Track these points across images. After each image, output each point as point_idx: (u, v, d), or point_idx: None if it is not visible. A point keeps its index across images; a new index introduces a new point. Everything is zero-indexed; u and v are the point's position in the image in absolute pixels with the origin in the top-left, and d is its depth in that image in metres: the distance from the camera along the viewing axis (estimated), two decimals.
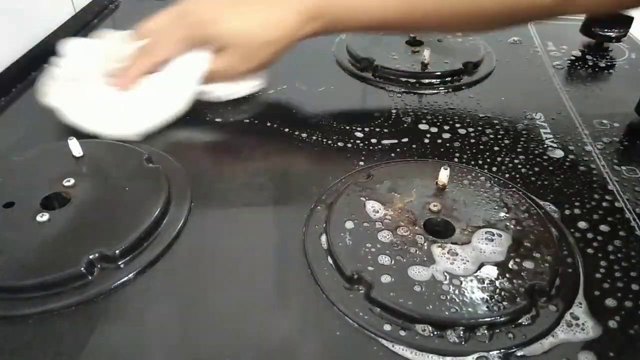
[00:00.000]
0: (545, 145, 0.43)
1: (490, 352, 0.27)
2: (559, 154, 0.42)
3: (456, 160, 0.41)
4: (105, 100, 0.42)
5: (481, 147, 0.43)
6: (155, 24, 0.43)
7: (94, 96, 0.42)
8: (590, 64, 0.57)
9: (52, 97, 0.42)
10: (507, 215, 0.34)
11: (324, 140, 0.43)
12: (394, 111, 0.48)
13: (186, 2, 0.43)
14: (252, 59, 0.43)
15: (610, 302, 0.30)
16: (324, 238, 0.33)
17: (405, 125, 0.46)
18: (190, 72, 0.42)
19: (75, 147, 0.39)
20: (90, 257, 0.31)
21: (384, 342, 0.27)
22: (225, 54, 0.42)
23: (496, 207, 0.35)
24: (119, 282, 0.30)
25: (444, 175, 0.36)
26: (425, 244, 0.32)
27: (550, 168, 0.40)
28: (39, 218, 0.33)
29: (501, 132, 0.45)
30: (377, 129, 0.45)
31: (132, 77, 0.42)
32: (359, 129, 0.45)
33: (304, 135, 0.44)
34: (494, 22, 0.45)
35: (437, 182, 0.37)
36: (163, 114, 0.43)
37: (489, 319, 0.28)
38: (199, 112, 0.46)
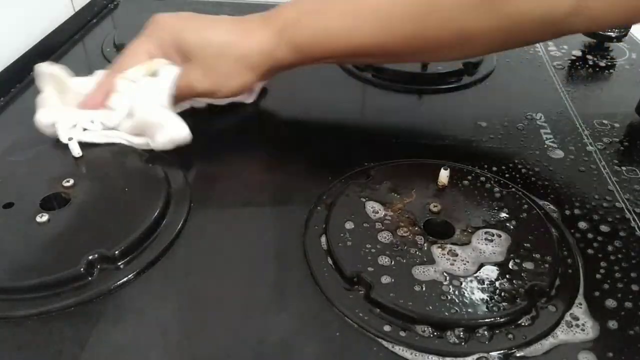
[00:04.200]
0: (546, 146, 0.43)
1: (490, 353, 0.27)
2: (559, 154, 0.42)
3: (456, 160, 0.41)
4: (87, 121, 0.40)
5: (481, 147, 0.43)
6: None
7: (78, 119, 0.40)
8: (591, 64, 0.57)
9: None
10: (507, 215, 0.34)
11: (324, 140, 0.43)
12: (394, 111, 0.48)
13: (157, 15, 0.42)
14: (215, 74, 0.40)
15: (610, 302, 0.30)
16: (324, 238, 0.33)
17: (405, 125, 0.46)
18: (159, 84, 0.40)
19: (75, 147, 0.39)
20: (90, 257, 0.30)
21: (383, 342, 0.27)
22: (189, 66, 0.40)
23: (496, 208, 0.35)
24: (118, 283, 0.30)
25: (444, 175, 0.36)
26: (425, 244, 0.32)
27: (550, 168, 0.40)
28: (38, 218, 0.33)
29: (501, 132, 0.45)
30: (377, 129, 0.45)
31: (100, 91, 0.40)
32: (359, 129, 0.45)
33: (304, 135, 0.44)
34: (490, 43, 0.39)
35: (437, 183, 0.37)
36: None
37: (489, 320, 0.28)
38: (199, 112, 0.45)
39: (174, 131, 0.39)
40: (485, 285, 0.30)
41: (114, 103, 0.40)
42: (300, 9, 0.40)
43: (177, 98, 0.41)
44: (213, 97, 0.43)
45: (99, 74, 0.43)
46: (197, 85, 0.40)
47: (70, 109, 0.41)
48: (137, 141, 0.40)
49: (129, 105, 0.40)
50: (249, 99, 0.47)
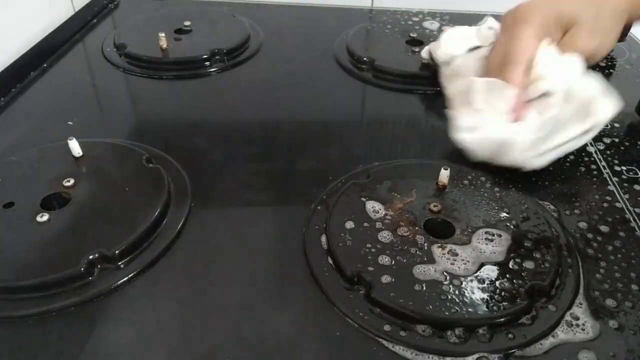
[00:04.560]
0: None
1: (491, 353, 0.27)
2: None
3: (456, 160, 0.41)
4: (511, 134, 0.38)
5: None
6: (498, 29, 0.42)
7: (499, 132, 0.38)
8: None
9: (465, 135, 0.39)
10: (507, 215, 0.34)
11: (324, 140, 0.43)
12: (393, 111, 0.48)
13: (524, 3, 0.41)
14: (598, 33, 0.41)
15: (610, 302, 0.30)
16: (324, 238, 0.33)
17: (405, 125, 0.46)
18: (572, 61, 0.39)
19: (75, 147, 0.39)
20: (90, 257, 0.31)
21: (384, 342, 0.27)
22: (571, 34, 0.40)
23: (496, 208, 0.35)
24: (119, 282, 0.30)
25: (444, 175, 0.36)
26: (426, 244, 0.32)
27: (551, 168, 0.40)
28: (38, 218, 0.33)
29: None
30: (377, 129, 0.45)
31: (520, 103, 0.39)
32: (359, 129, 0.45)
33: (304, 135, 0.44)
34: None
35: (437, 183, 0.37)
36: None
37: (489, 319, 0.28)
38: (199, 113, 0.45)
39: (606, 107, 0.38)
40: (485, 285, 0.30)
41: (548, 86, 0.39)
42: None
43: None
44: (595, 57, 0.42)
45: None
46: (585, 49, 0.41)
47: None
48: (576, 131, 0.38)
49: (562, 88, 0.39)
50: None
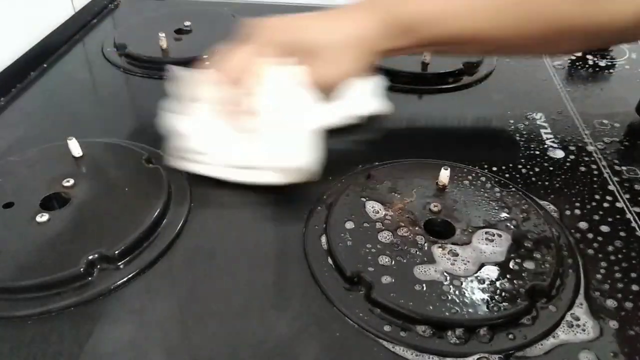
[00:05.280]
0: (546, 145, 0.43)
1: (491, 353, 0.27)
2: (559, 154, 0.42)
3: (456, 160, 0.41)
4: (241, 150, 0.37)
5: (481, 147, 0.43)
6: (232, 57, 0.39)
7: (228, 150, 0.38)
8: (591, 63, 0.57)
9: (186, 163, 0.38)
10: (507, 215, 0.34)
11: (324, 140, 0.43)
12: (394, 111, 0.48)
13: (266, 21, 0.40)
14: (337, 65, 0.39)
15: (610, 302, 0.30)
16: (324, 238, 0.33)
17: (405, 125, 0.46)
18: (296, 91, 0.38)
19: (75, 147, 0.39)
20: (90, 257, 0.31)
21: (384, 342, 0.27)
22: (311, 62, 0.39)
23: (496, 208, 0.35)
24: (118, 283, 0.30)
25: (444, 175, 0.36)
26: (426, 244, 0.32)
27: (551, 168, 0.40)
28: (38, 218, 0.33)
29: (501, 132, 0.45)
30: (377, 129, 0.45)
31: (245, 108, 0.37)
32: (359, 129, 0.45)
33: None
34: (586, 41, 0.41)
35: (437, 183, 0.37)
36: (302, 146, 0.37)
37: (489, 320, 0.28)
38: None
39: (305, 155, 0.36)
40: (485, 285, 0.29)
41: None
42: None
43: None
44: (329, 88, 0.41)
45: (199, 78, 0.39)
46: (317, 78, 0.39)
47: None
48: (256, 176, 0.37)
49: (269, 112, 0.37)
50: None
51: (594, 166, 0.41)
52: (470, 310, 0.28)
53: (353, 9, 0.40)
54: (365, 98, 0.44)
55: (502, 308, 0.28)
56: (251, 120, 0.37)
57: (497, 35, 0.39)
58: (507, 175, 0.39)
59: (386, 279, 0.30)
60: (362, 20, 0.39)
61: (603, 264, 0.32)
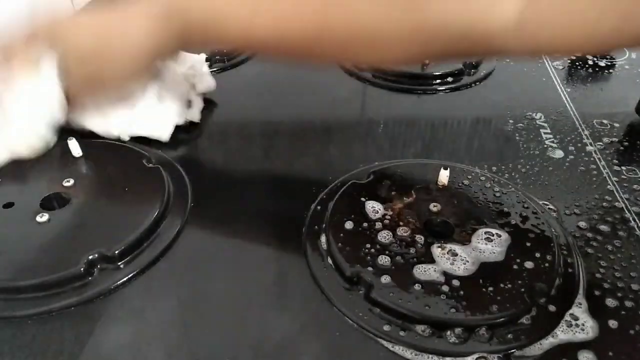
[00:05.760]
0: (545, 145, 0.43)
1: (490, 353, 0.27)
2: (559, 154, 0.42)
3: (456, 160, 0.41)
4: None
5: (481, 147, 0.43)
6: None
7: None
8: (591, 63, 0.57)
9: None
10: (507, 215, 0.34)
11: (324, 140, 0.43)
12: (393, 111, 0.48)
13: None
14: (85, 64, 0.38)
15: (610, 302, 0.30)
16: (324, 238, 0.33)
17: (405, 125, 0.46)
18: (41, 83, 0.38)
19: (74, 147, 0.39)
20: (90, 257, 0.31)
21: (383, 342, 0.27)
22: (86, 67, 0.38)
23: (496, 208, 0.35)
24: (118, 283, 0.30)
25: (443, 175, 0.36)
26: (425, 244, 0.32)
27: (550, 168, 0.40)
28: (38, 218, 0.33)
29: (501, 132, 0.45)
30: (377, 129, 0.45)
31: None
32: (358, 129, 0.45)
33: (304, 135, 0.44)
34: (405, 50, 0.35)
35: (437, 183, 0.37)
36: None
37: (488, 319, 0.28)
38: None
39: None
40: (485, 285, 0.29)
41: None
42: None
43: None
44: (114, 91, 0.40)
45: None
46: (103, 84, 0.39)
47: None
48: None
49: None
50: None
51: (593, 166, 0.41)
52: (469, 309, 0.28)
53: (139, 5, 0.37)
54: (163, 108, 0.42)
55: (501, 307, 0.28)
56: None
57: (282, 47, 0.36)
58: (506, 175, 0.39)
59: (386, 279, 0.30)
60: (145, 20, 0.37)
61: (602, 263, 0.32)
